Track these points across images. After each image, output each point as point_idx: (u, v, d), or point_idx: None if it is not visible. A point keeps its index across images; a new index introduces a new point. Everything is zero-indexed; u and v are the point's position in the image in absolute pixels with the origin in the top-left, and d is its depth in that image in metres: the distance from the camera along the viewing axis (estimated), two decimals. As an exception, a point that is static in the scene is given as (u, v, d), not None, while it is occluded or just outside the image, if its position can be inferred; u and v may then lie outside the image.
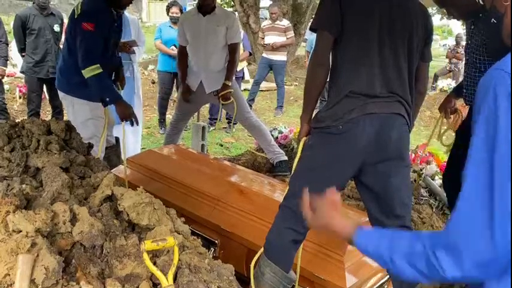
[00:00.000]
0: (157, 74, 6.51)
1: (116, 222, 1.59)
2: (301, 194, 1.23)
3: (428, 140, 3.46)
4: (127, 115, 2.99)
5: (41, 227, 1.40)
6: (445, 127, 3.07)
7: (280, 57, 7.57)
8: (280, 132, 4.78)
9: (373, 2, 1.94)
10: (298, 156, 2.08)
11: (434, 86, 10.46)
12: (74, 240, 1.47)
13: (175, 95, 6.22)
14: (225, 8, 9.52)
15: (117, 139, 3.52)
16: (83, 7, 2.93)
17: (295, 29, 9.93)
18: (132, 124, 3.04)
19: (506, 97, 0.82)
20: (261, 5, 11.75)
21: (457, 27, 18.65)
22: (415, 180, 3.68)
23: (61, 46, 4.86)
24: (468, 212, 0.85)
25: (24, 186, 1.66)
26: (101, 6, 2.95)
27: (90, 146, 2.21)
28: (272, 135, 4.44)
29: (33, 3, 5.27)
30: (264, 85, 8.47)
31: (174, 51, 5.47)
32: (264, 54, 7.77)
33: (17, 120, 2.15)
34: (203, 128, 4.52)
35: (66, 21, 4.54)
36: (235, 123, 4.52)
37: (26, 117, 4.54)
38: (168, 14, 6.05)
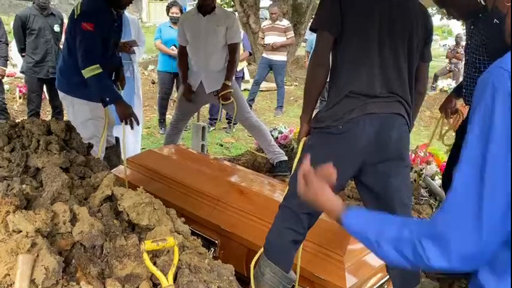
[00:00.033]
0: (157, 74, 6.51)
1: (116, 222, 1.59)
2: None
3: (429, 140, 3.46)
4: (127, 115, 2.98)
5: (41, 227, 1.40)
6: (446, 127, 3.07)
7: (280, 57, 7.57)
8: (280, 132, 4.78)
9: (373, 2, 1.94)
10: (298, 157, 2.08)
11: (434, 86, 10.46)
12: (74, 240, 1.47)
13: (175, 95, 6.21)
14: (225, 8, 9.53)
15: (117, 139, 3.52)
16: (83, 7, 2.93)
17: (295, 29, 9.92)
18: (132, 127, 3.04)
19: (504, 94, 0.82)
20: (261, 5, 11.74)
21: (457, 27, 18.63)
22: (415, 180, 3.69)
23: (61, 46, 4.86)
24: (458, 205, 0.86)
25: (24, 186, 1.66)
26: (100, 6, 2.94)
27: (90, 146, 2.21)
28: (272, 135, 4.44)
29: (33, 3, 5.26)
30: (264, 85, 8.47)
31: (174, 51, 5.47)
32: (264, 54, 7.76)
33: (17, 121, 2.15)
34: (203, 128, 4.52)
35: (66, 21, 4.54)
36: (235, 124, 4.52)
37: (26, 118, 4.55)
38: (168, 14, 6.04)
